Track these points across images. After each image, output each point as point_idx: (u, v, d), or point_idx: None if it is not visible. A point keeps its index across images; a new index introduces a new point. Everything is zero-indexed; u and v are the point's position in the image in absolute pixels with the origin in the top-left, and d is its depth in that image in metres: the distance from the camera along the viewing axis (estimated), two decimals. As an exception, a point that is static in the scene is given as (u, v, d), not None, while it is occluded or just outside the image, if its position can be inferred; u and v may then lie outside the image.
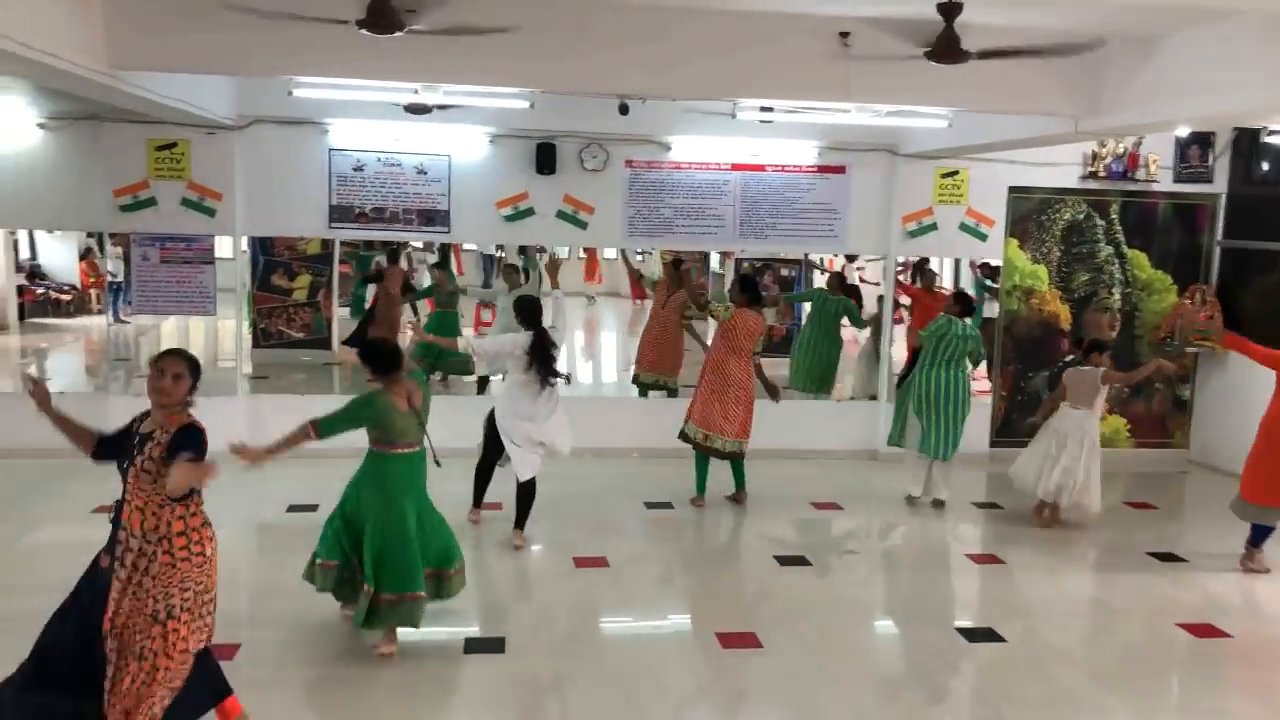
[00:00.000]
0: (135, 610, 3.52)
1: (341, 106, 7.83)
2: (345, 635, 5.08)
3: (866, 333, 9.99)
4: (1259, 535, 6.44)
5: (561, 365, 6.33)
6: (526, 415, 6.29)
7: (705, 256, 12.61)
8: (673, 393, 9.00)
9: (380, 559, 4.74)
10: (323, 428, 4.73)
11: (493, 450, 6.52)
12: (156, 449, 3.51)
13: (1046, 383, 8.95)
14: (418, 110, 7.15)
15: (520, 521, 6.45)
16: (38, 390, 3.79)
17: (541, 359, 6.20)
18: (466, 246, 15.58)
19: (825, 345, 9.70)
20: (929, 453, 7.43)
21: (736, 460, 7.32)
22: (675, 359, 9.17)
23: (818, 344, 9.68)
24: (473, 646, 5.00)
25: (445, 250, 11.74)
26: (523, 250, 10.81)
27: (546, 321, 6.36)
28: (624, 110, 6.32)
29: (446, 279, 10.38)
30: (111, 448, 3.69)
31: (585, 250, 15.78)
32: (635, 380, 9.32)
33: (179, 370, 3.62)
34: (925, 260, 10.21)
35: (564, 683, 4.69)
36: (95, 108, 7.56)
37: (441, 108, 7.23)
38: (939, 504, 7.52)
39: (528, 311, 6.31)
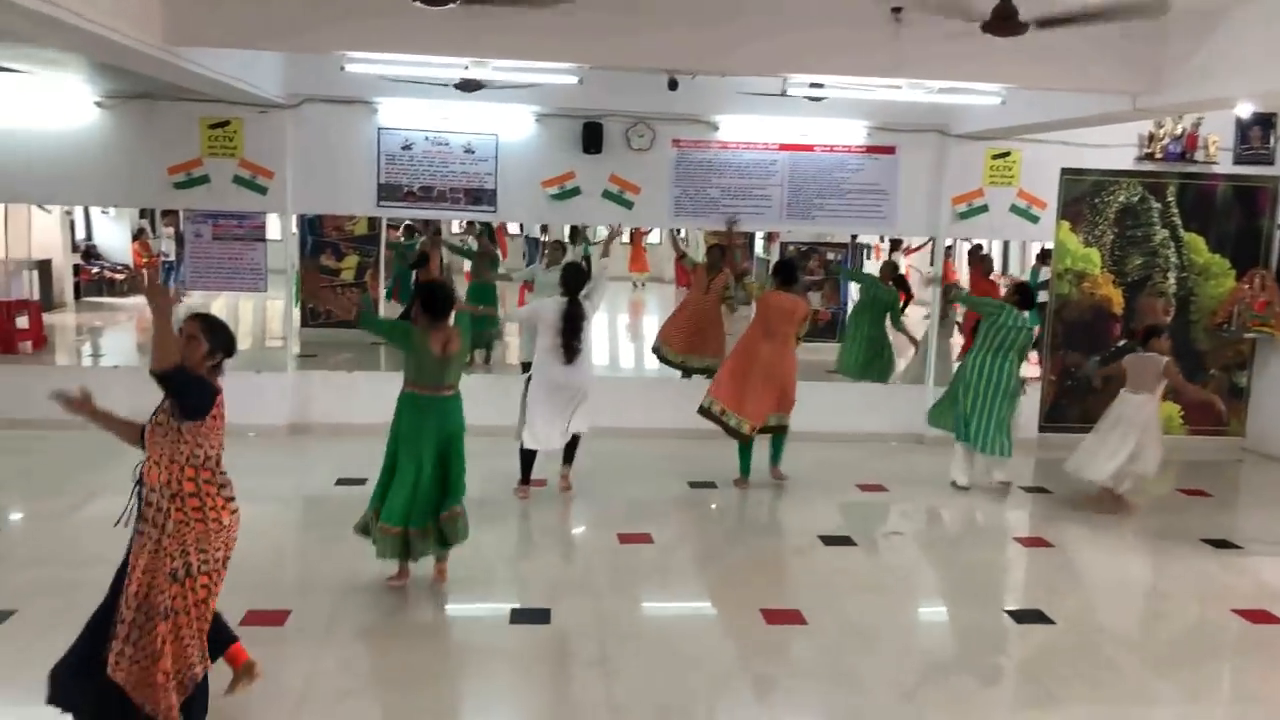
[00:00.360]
0: (156, 569, 3.54)
1: (391, 85, 7.89)
2: (393, 603, 5.14)
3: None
4: None
5: (598, 343, 6.48)
6: (559, 382, 6.50)
7: (749, 240, 12.61)
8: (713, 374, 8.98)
9: (415, 494, 5.07)
10: (364, 314, 5.28)
11: None
12: (169, 401, 3.53)
13: (1096, 368, 8.81)
14: (468, 87, 7.17)
15: (567, 458, 6.91)
16: (76, 404, 3.72)
17: (568, 326, 6.42)
18: (511, 230, 15.71)
19: (874, 333, 9.59)
20: (969, 441, 7.35)
21: (746, 444, 7.29)
22: (717, 342, 9.10)
23: (867, 332, 9.55)
24: (518, 617, 5.04)
25: (490, 232, 11.86)
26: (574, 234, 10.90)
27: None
28: (673, 86, 6.29)
29: (490, 245, 10.61)
30: None
31: (630, 237, 15.86)
32: (659, 353, 9.19)
33: (192, 331, 3.59)
34: (979, 246, 10.12)
35: (608, 653, 4.71)
36: (150, 86, 7.69)
37: (492, 86, 7.25)
38: (1004, 485, 7.43)
39: (572, 279, 6.58)
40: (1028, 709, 4.35)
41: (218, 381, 3.64)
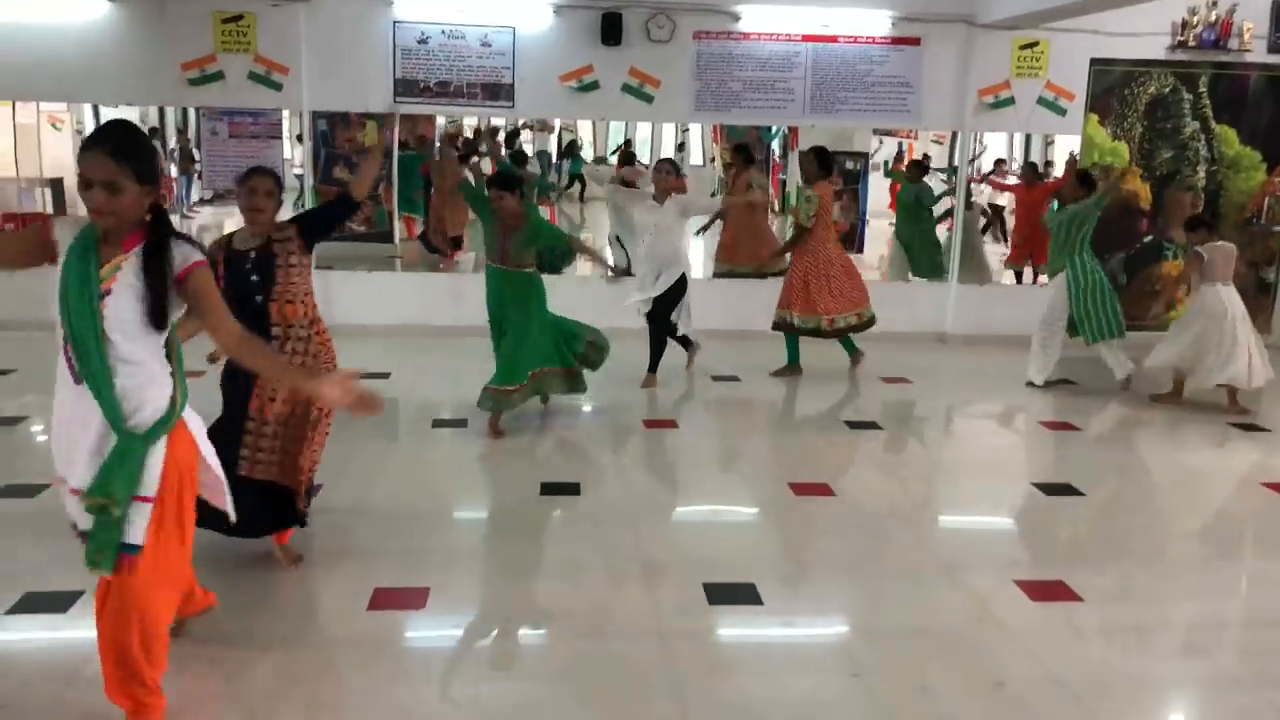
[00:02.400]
0: None
1: (406, -25, 7.75)
2: (426, 483, 5.17)
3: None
4: None
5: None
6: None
7: (767, 153, 12.53)
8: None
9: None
10: (463, 183, 6.13)
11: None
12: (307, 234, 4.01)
13: (1123, 265, 8.71)
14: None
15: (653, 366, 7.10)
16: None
17: None
18: (524, 144, 15.50)
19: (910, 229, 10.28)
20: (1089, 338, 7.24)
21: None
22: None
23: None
24: (548, 489, 5.05)
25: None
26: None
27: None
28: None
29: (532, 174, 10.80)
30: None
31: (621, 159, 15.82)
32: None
33: (269, 187, 3.93)
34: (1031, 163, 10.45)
35: (638, 520, 4.72)
36: (160, -21, 7.55)
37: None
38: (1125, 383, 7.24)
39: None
40: (1059, 565, 4.35)
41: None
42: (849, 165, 11.00)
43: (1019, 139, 12.42)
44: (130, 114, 13.77)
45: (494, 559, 4.33)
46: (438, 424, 6.11)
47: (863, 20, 8.26)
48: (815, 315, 7.18)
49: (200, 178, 12.53)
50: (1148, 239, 8.69)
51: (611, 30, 8.03)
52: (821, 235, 7.15)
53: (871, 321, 7.37)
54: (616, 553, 4.33)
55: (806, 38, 8.29)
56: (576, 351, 6.07)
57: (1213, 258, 6.68)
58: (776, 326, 7.36)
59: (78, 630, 3.37)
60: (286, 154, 8.78)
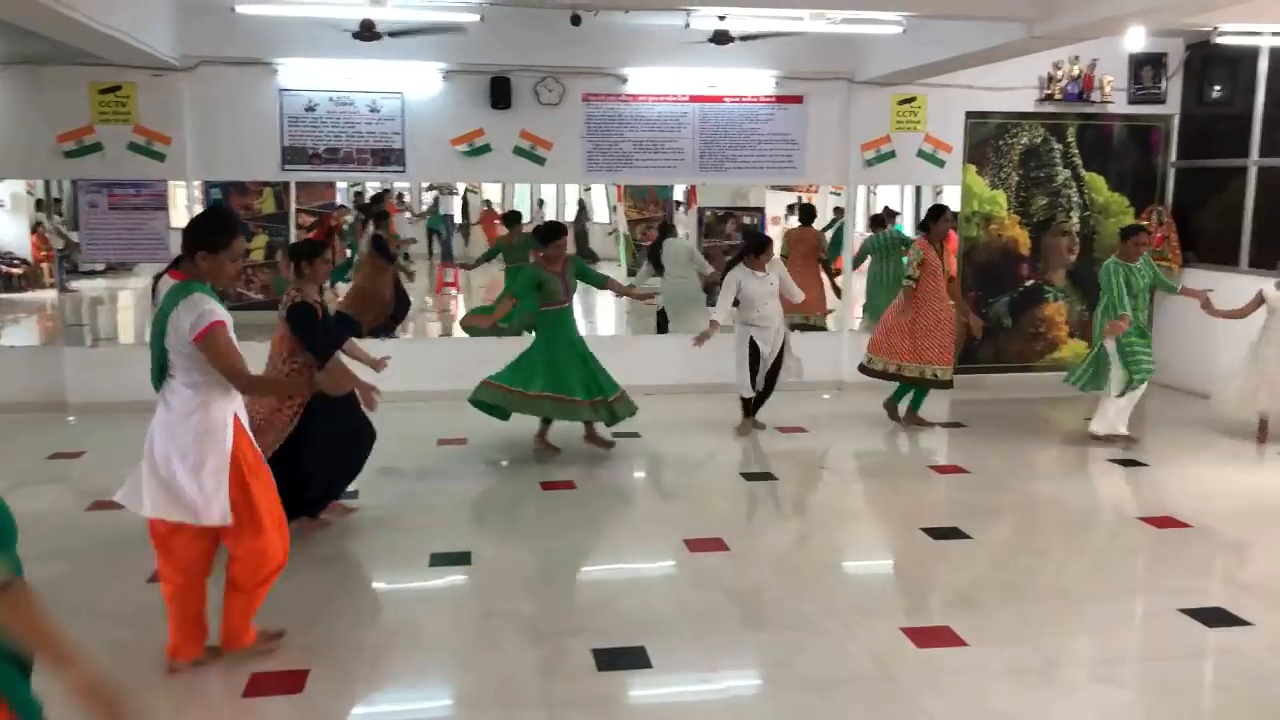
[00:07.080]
0: None
1: (289, 44, 7.71)
2: (314, 544, 5.03)
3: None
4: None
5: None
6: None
7: (668, 211, 12.64)
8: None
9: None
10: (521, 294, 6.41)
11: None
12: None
13: (1007, 308, 9.02)
14: (367, 35, 7.02)
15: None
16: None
17: None
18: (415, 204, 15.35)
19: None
20: None
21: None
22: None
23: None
24: (438, 560, 4.96)
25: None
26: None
27: None
28: (576, 21, 6.20)
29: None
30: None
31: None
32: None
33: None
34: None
35: (532, 587, 4.66)
36: (34, 50, 7.37)
37: (392, 34, 7.11)
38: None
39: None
40: (948, 610, 4.42)
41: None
42: (746, 220, 11.20)
43: (909, 190, 12.76)
44: (14, 187, 13.49)
45: (377, 634, 4.21)
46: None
47: (747, 80, 8.48)
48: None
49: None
50: (1029, 283, 9.02)
51: (501, 94, 8.10)
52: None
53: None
54: (506, 622, 4.26)
55: (694, 98, 8.48)
56: None
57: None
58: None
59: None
60: (174, 223, 8.56)
